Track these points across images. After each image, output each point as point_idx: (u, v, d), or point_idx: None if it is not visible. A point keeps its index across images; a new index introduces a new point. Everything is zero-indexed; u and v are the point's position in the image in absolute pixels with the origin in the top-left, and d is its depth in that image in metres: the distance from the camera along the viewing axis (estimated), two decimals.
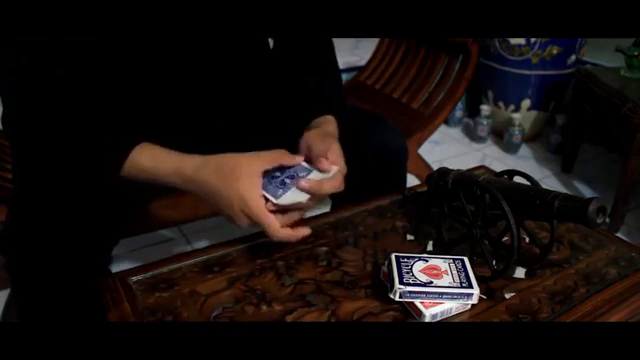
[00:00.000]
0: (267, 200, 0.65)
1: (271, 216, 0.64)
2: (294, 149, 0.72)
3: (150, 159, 0.65)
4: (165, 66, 0.75)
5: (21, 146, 0.70)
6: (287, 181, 0.67)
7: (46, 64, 0.65)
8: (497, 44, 2.07)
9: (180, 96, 0.78)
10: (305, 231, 0.67)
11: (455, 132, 2.39)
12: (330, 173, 0.69)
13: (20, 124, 0.66)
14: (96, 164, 0.65)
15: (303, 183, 0.66)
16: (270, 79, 0.89)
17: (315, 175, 0.69)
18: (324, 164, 0.69)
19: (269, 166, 0.65)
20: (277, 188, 0.66)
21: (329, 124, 0.77)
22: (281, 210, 0.66)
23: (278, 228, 0.64)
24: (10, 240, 0.68)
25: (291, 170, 0.68)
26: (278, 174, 0.68)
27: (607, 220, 1.18)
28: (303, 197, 0.67)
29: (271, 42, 0.90)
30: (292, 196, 0.66)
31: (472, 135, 2.31)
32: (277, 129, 0.86)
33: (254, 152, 0.66)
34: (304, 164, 0.70)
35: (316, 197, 0.68)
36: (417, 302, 0.60)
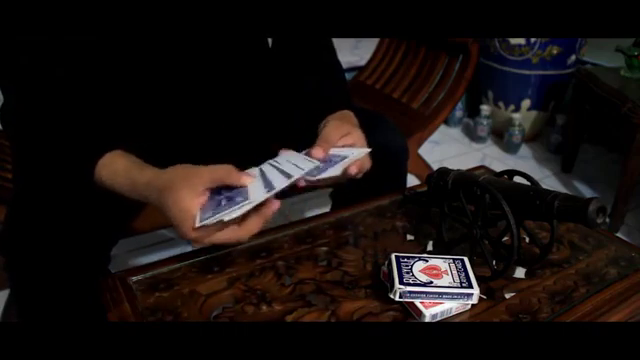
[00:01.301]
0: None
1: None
2: (295, 149, 0.72)
3: (108, 173, 0.63)
4: (164, 67, 0.75)
5: (17, 145, 0.70)
6: (223, 203, 0.60)
7: (45, 64, 0.65)
8: (497, 44, 2.07)
9: (179, 97, 0.78)
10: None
11: (455, 132, 2.39)
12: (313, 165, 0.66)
13: (17, 123, 0.66)
14: (68, 168, 0.64)
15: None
16: (270, 79, 0.89)
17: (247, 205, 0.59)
18: (316, 152, 0.68)
19: (210, 184, 0.60)
20: (206, 211, 0.60)
21: (348, 117, 0.77)
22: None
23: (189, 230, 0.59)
24: (9, 240, 0.68)
25: (234, 192, 0.62)
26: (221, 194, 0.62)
27: (607, 220, 1.18)
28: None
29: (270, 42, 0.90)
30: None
31: (472, 135, 2.31)
32: (278, 130, 0.86)
33: (203, 166, 0.61)
34: (245, 190, 0.62)
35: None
36: (417, 302, 0.60)
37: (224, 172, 0.61)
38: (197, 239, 0.60)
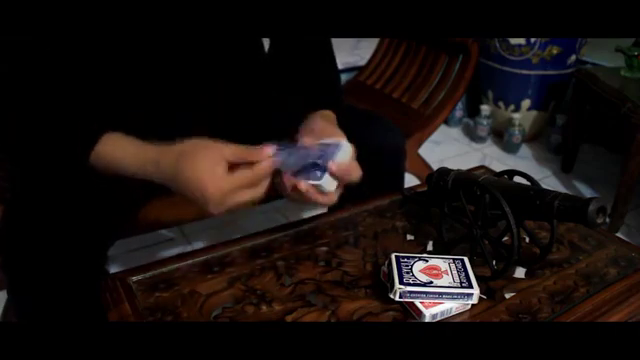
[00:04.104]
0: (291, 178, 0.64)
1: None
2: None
3: (110, 150, 0.63)
4: (156, 64, 0.75)
5: (11, 140, 0.70)
6: (319, 162, 0.65)
7: (20, 56, 0.65)
8: (497, 44, 2.07)
9: (171, 95, 0.78)
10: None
11: (455, 132, 2.39)
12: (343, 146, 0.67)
13: (8, 115, 0.65)
14: (64, 154, 0.64)
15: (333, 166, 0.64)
16: (264, 78, 0.89)
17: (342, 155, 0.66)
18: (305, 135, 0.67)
19: (232, 158, 0.61)
20: (311, 171, 0.65)
21: (328, 115, 0.77)
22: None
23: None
24: (6, 239, 0.68)
25: (313, 152, 0.66)
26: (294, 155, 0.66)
27: (607, 220, 1.18)
28: (334, 184, 0.66)
29: (268, 43, 0.90)
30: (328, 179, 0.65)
31: (472, 135, 2.30)
32: (271, 128, 0.86)
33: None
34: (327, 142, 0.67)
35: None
36: (417, 302, 0.60)
37: (243, 149, 0.62)
38: (224, 200, 0.59)
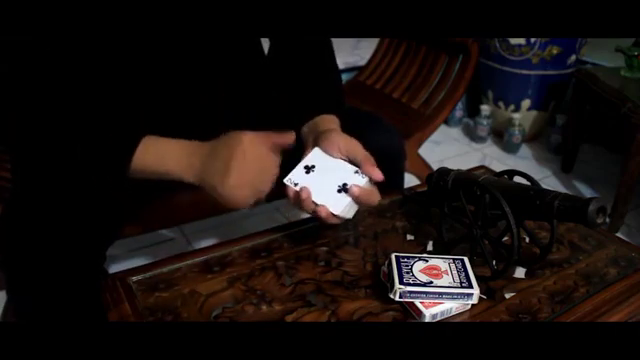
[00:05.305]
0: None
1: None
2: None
3: (155, 155, 0.64)
4: (155, 66, 0.75)
5: (18, 151, 0.70)
6: (342, 186, 0.66)
7: (37, 66, 0.64)
8: (497, 44, 2.07)
9: (171, 96, 0.78)
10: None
11: (455, 132, 2.39)
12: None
13: (15, 128, 0.65)
14: (103, 165, 0.64)
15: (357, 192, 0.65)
16: (265, 80, 0.89)
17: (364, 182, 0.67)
18: (376, 172, 0.67)
19: (269, 142, 0.65)
20: (334, 195, 0.66)
21: (333, 123, 0.76)
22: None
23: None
24: (6, 239, 0.68)
25: (336, 172, 0.67)
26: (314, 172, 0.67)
27: (607, 220, 1.18)
28: (354, 209, 0.68)
29: (267, 43, 0.90)
30: (348, 206, 0.66)
31: (472, 135, 2.30)
32: (271, 130, 0.86)
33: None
34: (350, 167, 0.68)
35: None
36: (417, 302, 0.60)
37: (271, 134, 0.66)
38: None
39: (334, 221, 0.67)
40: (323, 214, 0.65)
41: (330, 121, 0.76)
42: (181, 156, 0.64)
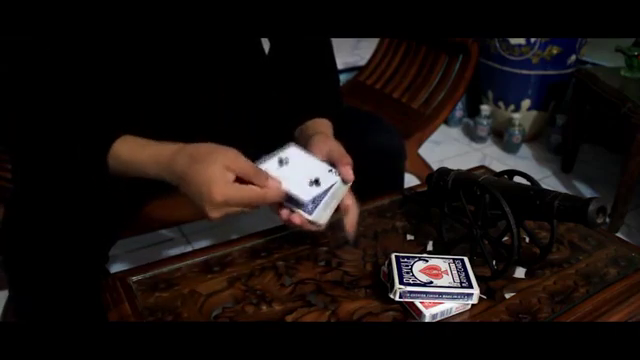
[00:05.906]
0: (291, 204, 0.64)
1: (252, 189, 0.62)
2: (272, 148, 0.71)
3: (128, 150, 0.64)
4: (155, 67, 0.75)
5: (16, 141, 0.70)
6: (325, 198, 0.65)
7: (36, 66, 0.65)
8: (497, 44, 2.07)
9: (171, 96, 0.78)
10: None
11: (455, 132, 2.39)
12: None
13: (14, 128, 0.65)
14: (80, 159, 0.64)
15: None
16: (265, 80, 0.89)
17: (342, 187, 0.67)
18: (346, 171, 0.67)
19: (240, 172, 0.61)
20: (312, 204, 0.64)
21: (324, 126, 0.76)
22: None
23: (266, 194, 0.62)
24: (7, 239, 0.68)
25: (309, 168, 0.66)
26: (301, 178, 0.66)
27: (607, 220, 1.18)
28: (327, 214, 0.66)
29: (266, 43, 0.90)
30: (322, 213, 0.65)
31: (472, 135, 2.31)
32: (270, 131, 0.86)
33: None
34: (325, 165, 0.67)
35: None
36: (417, 302, 0.60)
37: (255, 171, 0.62)
38: (225, 207, 0.60)
39: (310, 228, 0.65)
40: (297, 221, 0.64)
41: (321, 124, 0.76)
42: (151, 150, 0.64)
